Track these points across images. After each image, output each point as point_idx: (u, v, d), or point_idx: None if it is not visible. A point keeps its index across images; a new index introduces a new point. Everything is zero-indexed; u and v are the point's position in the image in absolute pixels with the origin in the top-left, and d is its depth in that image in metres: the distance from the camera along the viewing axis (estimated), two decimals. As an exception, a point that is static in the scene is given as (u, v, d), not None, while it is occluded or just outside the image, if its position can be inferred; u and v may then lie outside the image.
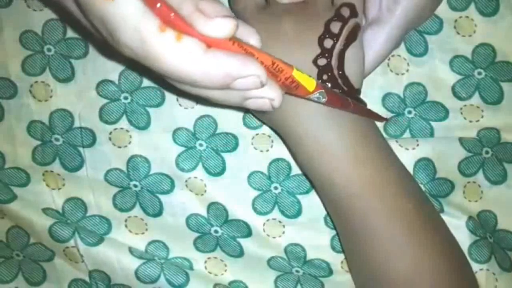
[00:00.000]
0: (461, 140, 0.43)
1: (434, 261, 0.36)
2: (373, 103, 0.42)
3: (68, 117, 0.43)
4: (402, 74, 0.43)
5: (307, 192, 0.43)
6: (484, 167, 0.43)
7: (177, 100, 0.43)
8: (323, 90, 0.32)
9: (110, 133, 0.43)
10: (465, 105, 0.43)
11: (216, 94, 0.28)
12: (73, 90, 0.43)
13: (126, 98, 0.43)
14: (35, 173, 0.43)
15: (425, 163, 0.43)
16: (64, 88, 0.43)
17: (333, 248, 0.44)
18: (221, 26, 0.25)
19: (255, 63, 0.26)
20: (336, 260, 0.44)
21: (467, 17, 0.42)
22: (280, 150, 0.43)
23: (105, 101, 0.43)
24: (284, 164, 0.43)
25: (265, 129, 0.43)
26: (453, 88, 0.43)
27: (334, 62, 0.36)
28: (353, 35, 0.36)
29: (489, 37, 0.42)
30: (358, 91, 0.37)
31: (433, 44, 0.42)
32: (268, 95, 0.28)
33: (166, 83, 0.29)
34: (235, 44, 0.27)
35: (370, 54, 0.38)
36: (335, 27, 0.36)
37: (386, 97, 0.43)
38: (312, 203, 0.43)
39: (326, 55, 0.35)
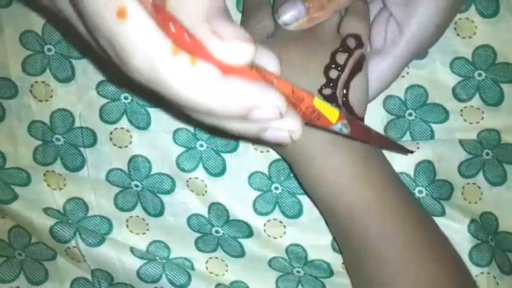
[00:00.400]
0: (461, 142, 0.43)
1: (435, 282, 0.36)
2: (374, 105, 0.42)
3: (68, 117, 0.43)
4: (403, 76, 0.42)
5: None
6: (485, 169, 0.43)
7: None
8: (346, 121, 0.30)
9: (111, 133, 0.43)
10: (465, 107, 0.42)
11: (234, 125, 0.25)
12: (73, 90, 0.43)
13: (126, 98, 0.42)
14: (36, 173, 0.43)
15: (425, 165, 0.42)
16: (64, 88, 0.43)
17: (334, 249, 0.43)
18: (239, 51, 0.22)
19: (275, 92, 0.23)
20: (337, 260, 0.44)
21: (467, 18, 0.42)
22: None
23: (105, 100, 0.43)
24: (285, 165, 0.43)
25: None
26: (453, 89, 0.42)
27: (339, 92, 0.36)
28: (359, 66, 0.36)
29: (490, 39, 0.42)
30: (361, 120, 0.37)
31: (433, 46, 0.41)
32: (288, 127, 0.25)
33: (182, 113, 0.26)
34: (253, 70, 0.24)
35: (373, 83, 0.38)
36: (340, 58, 0.36)
37: (387, 99, 0.43)
38: (313, 204, 0.43)
39: (331, 85, 0.35)
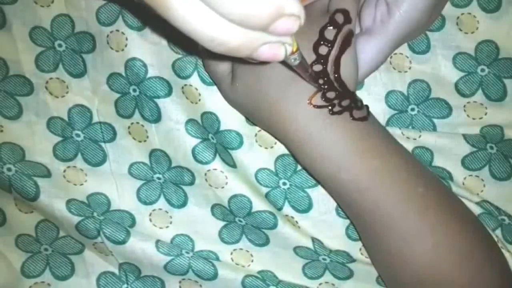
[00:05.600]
0: (464, 136, 0.40)
1: (452, 240, 0.34)
2: (376, 100, 0.40)
3: (86, 112, 0.40)
4: (405, 71, 0.40)
5: (316, 185, 0.40)
6: (491, 164, 0.40)
7: (183, 92, 0.40)
8: (300, 51, 0.28)
9: (129, 127, 0.41)
10: (468, 102, 0.40)
11: (237, 38, 0.22)
12: (87, 85, 0.40)
13: (135, 90, 0.40)
14: (56, 170, 0.40)
15: (423, 151, 0.40)
16: (78, 84, 0.40)
17: (349, 236, 0.41)
18: None
19: (298, 1, 0.22)
20: (355, 248, 0.41)
21: (469, 13, 0.39)
22: (283, 147, 0.40)
23: (118, 95, 0.40)
24: (290, 159, 0.40)
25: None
26: (456, 85, 0.40)
27: (330, 68, 0.33)
28: (348, 41, 0.34)
29: (492, 34, 0.39)
30: (354, 94, 0.35)
31: (436, 41, 0.39)
32: (285, 40, 0.24)
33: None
34: None
35: (362, 63, 0.35)
36: (329, 33, 0.33)
37: (389, 94, 0.40)
38: (322, 196, 0.40)
39: (322, 61, 0.33)
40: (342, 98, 0.34)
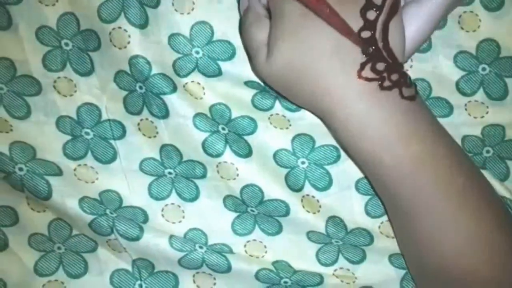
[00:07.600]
0: (463, 140, 0.40)
1: (486, 234, 0.33)
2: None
3: (95, 110, 0.40)
4: (406, 70, 0.39)
5: (335, 161, 0.40)
6: (486, 167, 0.40)
7: (186, 90, 0.39)
8: None
9: (138, 124, 0.40)
10: (469, 101, 0.39)
11: None
12: (95, 83, 0.40)
13: (141, 87, 0.39)
14: (66, 168, 0.40)
15: None
16: (86, 82, 0.40)
17: (368, 213, 0.40)
18: None
19: None
20: (374, 225, 0.40)
21: (471, 12, 0.38)
22: (299, 127, 0.39)
23: (125, 92, 0.40)
24: (307, 138, 0.39)
25: (278, 109, 0.40)
26: (457, 84, 0.39)
27: (378, 34, 0.32)
28: (395, 6, 0.32)
29: (494, 33, 0.38)
30: (402, 65, 0.33)
31: (437, 39, 0.38)
32: None
33: None
34: None
35: (410, 33, 0.33)
36: None
37: None
38: (341, 172, 0.40)
39: (370, 27, 0.32)
40: (391, 71, 0.32)
